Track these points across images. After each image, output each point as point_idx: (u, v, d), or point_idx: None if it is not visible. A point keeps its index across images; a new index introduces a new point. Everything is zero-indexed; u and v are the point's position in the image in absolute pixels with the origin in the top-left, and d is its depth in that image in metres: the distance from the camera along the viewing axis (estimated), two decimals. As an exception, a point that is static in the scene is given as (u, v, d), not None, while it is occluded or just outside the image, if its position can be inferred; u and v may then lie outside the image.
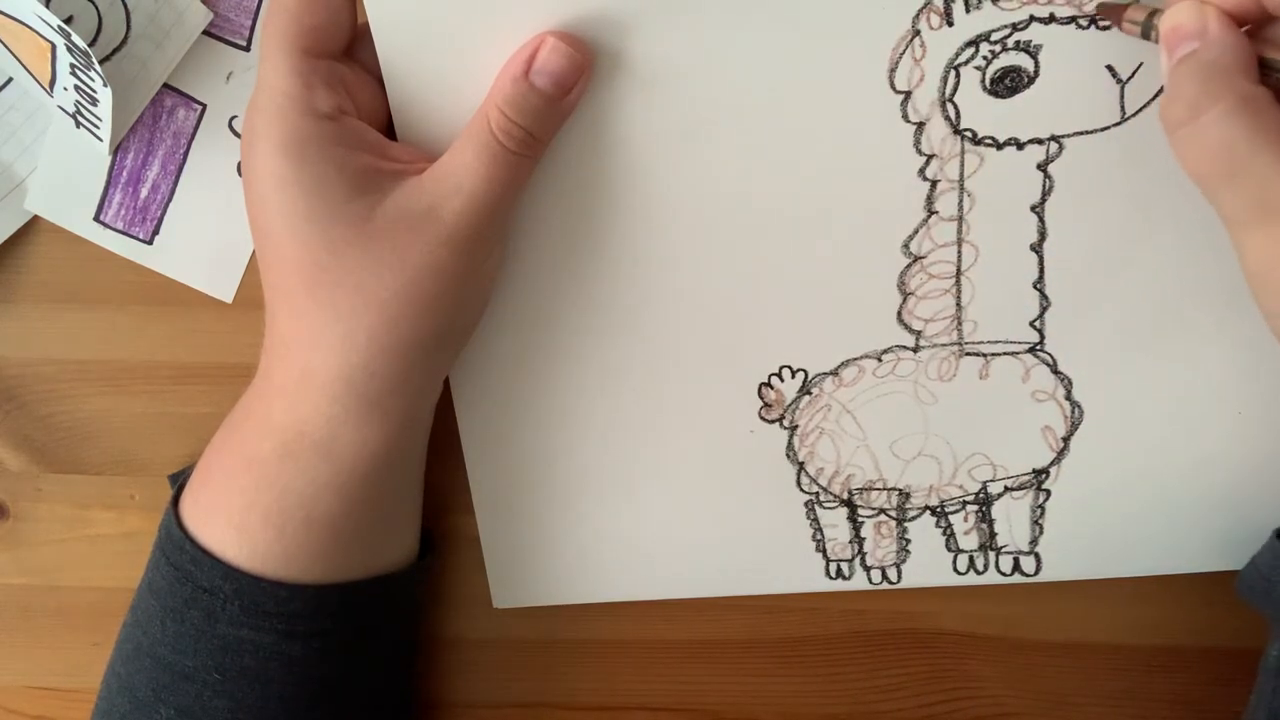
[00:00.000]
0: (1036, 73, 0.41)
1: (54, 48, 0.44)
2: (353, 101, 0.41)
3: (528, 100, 0.40)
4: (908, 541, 0.49)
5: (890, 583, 0.50)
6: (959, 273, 0.45)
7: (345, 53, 0.42)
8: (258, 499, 0.41)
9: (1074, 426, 0.47)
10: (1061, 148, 0.42)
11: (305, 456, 0.41)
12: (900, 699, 0.52)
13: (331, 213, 0.39)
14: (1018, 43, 0.41)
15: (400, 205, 0.39)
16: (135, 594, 0.45)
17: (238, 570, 0.42)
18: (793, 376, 0.47)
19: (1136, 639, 0.51)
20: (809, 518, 0.49)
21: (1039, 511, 0.48)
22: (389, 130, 0.43)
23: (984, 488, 0.48)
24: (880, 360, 0.46)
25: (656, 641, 0.52)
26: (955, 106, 0.42)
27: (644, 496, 0.49)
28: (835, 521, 0.49)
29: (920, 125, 0.42)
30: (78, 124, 0.47)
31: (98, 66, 0.43)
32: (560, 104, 0.41)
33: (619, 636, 0.52)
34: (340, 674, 0.44)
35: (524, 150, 0.40)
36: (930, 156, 0.43)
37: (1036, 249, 0.44)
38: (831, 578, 0.50)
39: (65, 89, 0.46)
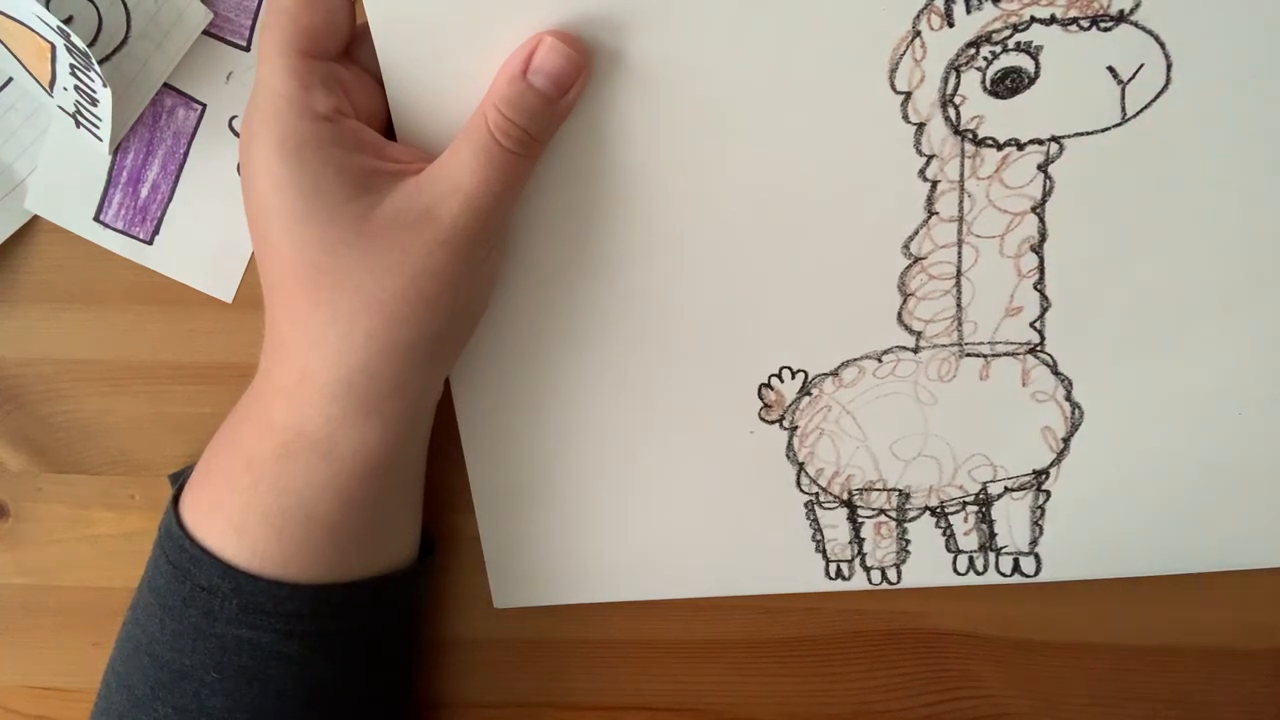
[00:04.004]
0: (1037, 73, 0.41)
1: (54, 48, 0.44)
2: (351, 102, 0.41)
3: (525, 100, 0.40)
4: (907, 542, 0.49)
5: (890, 583, 0.50)
6: (959, 274, 0.45)
7: (344, 53, 0.42)
8: (257, 499, 0.41)
9: (1074, 427, 0.47)
10: (1062, 148, 0.42)
11: (305, 457, 0.41)
12: (900, 699, 0.52)
13: (329, 214, 0.39)
14: (1018, 43, 0.41)
15: (398, 206, 0.39)
16: (135, 592, 0.45)
17: (236, 569, 0.42)
18: (793, 377, 0.47)
19: (1136, 639, 0.51)
20: (809, 518, 0.49)
21: (1039, 512, 0.48)
22: (388, 131, 0.43)
23: (984, 488, 0.48)
24: (880, 361, 0.46)
25: (656, 641, 0.52)
26: (955, 107, 0.42)
27: (644, 497, 0.49)
28: (835, 522, 0.49)
29: (920, 126, 0.42)
30: (78, 124, 0.47)
31: (97, 67, 0.43)
32: (558, 104, 0.41)
33: (619, 636, 0.52)
34: (338, 674, 0.44)
35: (522, 150, 0.40)
36: (930, 157, 0.43)
37: (1037, 249, 0.44)
38: (831, 578, 0.50)
39: (65, 89, 0.46)
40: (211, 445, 0.44)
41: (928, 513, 0.49)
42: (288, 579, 0.42)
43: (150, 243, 0.49)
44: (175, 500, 0.45)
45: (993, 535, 0.49)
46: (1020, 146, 0.43)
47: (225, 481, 0.43)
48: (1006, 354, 0.46)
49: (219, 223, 0.49)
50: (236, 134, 0.48)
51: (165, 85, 0.47)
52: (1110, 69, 0.41)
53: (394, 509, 0.45)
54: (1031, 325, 0.45)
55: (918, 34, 0.41)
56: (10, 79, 0.48)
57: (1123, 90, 0.42)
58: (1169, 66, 0.41)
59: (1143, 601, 0.50)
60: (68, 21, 0.45)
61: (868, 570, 0.50)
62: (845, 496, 0.49)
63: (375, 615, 0.45)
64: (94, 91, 0.45)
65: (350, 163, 0.39)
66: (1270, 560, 0.48)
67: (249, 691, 0.42)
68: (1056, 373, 0.46)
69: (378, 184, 0.40)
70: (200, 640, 0.42)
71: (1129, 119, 0.42)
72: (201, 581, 0.42)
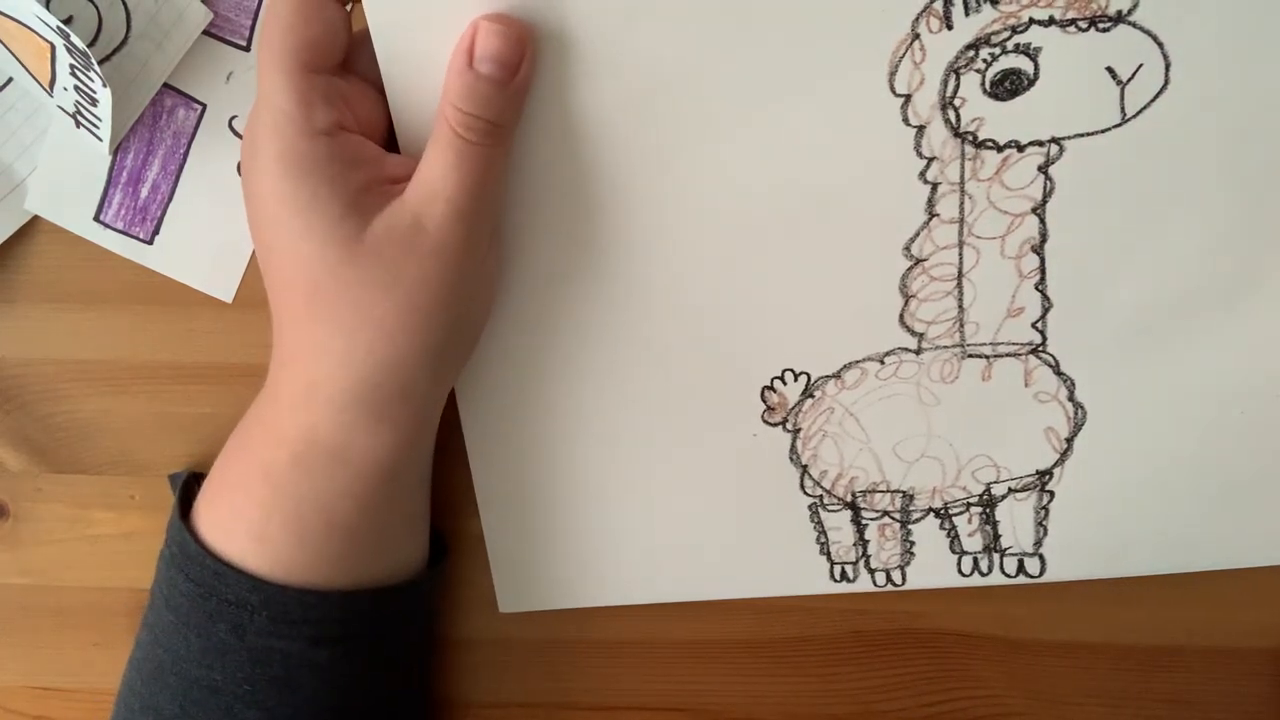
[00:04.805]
0: (1036, 75, 0.41)
1: (53, 48, 0.44)
2: (352, 113, 0.41)
3: (478, 90, 0.39)
4: (912, 544, 0.49)
5: (895, 585, 0.50)
6: (960, 275, 0.45)
7: (342, 63, 0.42)
8: (276, 507, 0.42)
9: (1077, 427, 0.47)
10: (1062, 149, 0.43)
11: (320, 463, 0.41)
12: (900, 699, 0.52)
13: (325, 232, 0.39)
14: (1017, 45, 0.41)
15: (387, 223, 0.39)
16: (147, 611, 0.45)
17: (264, 581, 0.42)
18: (795, 380, 0.47)
19: (1136, 639, 0.51)
20: (813, 521, 0.49)
21: (1043, 513, 0.48)
22: (388, 140, 0.43)
23: (987, 489, 0.48)
24: (883, 363, 0.46)
25: (656, 642, 0.52)
26: (955, 109, 0.42)
27: (648, 500, 0.49)
28: (839, 524, 0.49)
29: (921, 128, 0.42)
30: (78, 124, 0.47)
31: (97, 67, 0.43)
32: (511, 86, 0.40)
33: (619, 637, 0.52)
34: (366, 679, 0.44)
35: (489, 140, 0.40)
36: (931, 159, 0.43)
37: (1038, 250, 0.44)
38: (836, 580, 0.50)
39: (65, 89, 0.46)
40: (222, 457, 0.44)
41: (932, 514, 0.49)
42: (313, 587, 0.42)
43: (150, 243, 0.49)
44: (185, 514, 0.44)
45: (997, 536, 0.49)
46: (1020, 148, 0.43)
47: (242, 492, 0.43)
48: (1009, 355, 0.46)
49: (219, 223, 0.49)
50: (236, 134, 0.48)
51: (165, 85, 0.47)
52: (1109, 69, 0.41)
53: (407, 511, 0.45)
54: (1033, 326, 0.45)
55: (917, 37, 0.41)
56: (10, 79, 0.48)
57: (1122, 91, 0.42)
58: (1167, 66, 0.41)
59: (1143, 601, 0.50)
60: (68, 21, 0.45)
61: (872, 572, 0.50)
62: (849, 499, 0.49)
63: (400, 619, 0.46)
64: (94, 91, 0.45)
65: (347, 179, 0.39)
66: (1275, 559, 0.49)
67: (281, 701, 0.42)
68: (1059, 373, 0.46)
69: (371, 201, 0.40)
70: (230, 654, 0.42)
71: (1128, 119, 0.42)
72: (229, 596, 0.42)
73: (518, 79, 0.40)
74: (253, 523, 0.42)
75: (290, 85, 0.39)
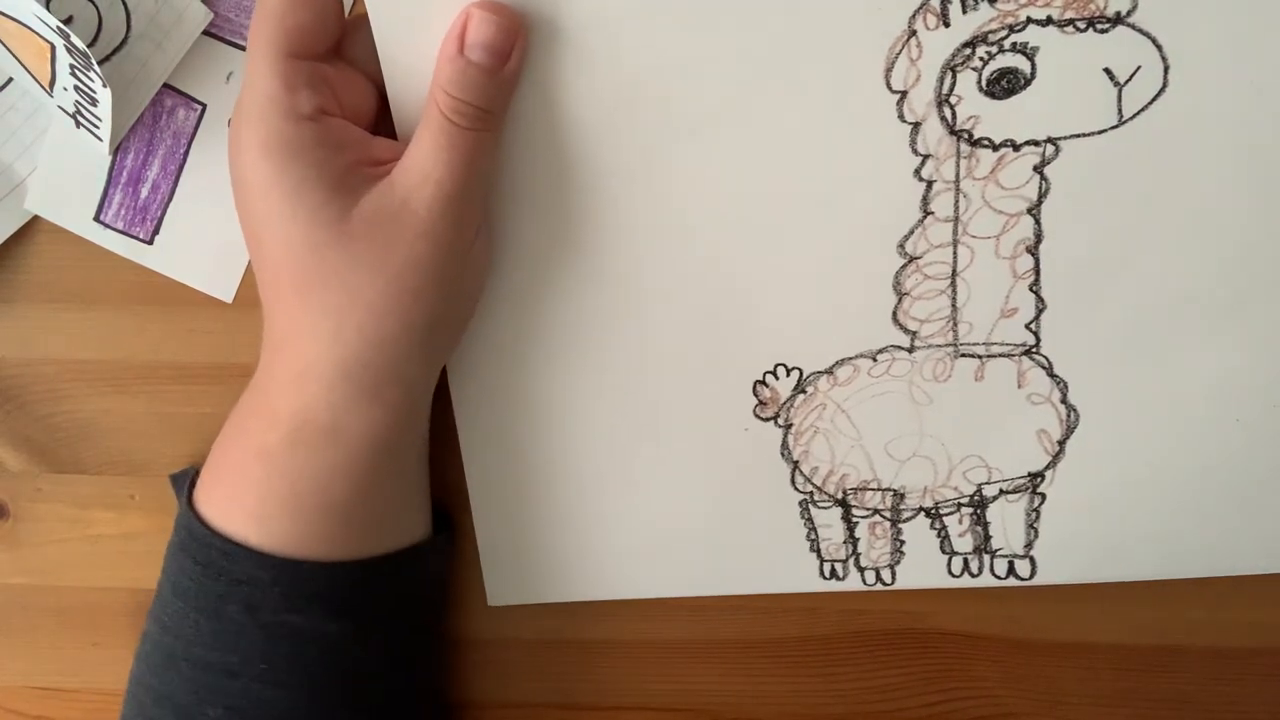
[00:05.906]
0: (1033, 74, 0.41)
1: (53, 48, 0.44)
2: (337, 100, 0.41)
3: (468, 76, 0.40)
4: (902, 543, 0.49)
5: (884, 584, 0.50)
6: (954, 274, 0.45)
7: (333, 49, 0.42)
8: (272, 487, 0.42)
9: (1070, 430, 0.47)
10: (1058, 150, 0.42)
11: (314, 442, 0.41)
12: (899, 699, 0.52)
13: (311, 215, 0.39)
14: (1014, 44, 0.41)
15: (375, 204, 0.40)
16: (154, 602, 0.45)
17: (274, 557, 0.42)
18: (788, 375, 0.47)
19: (1136, 639, 0.51)
20: (803, 517, 0.49)
21: (1034, 515, 0.48)
22: (377, 126, 0.43)
23: (979, 490, 0.48)
24: (875, 360, 0.46)
25: (655, 642, 0.52)
26: (951, 107, 0.42)
27: (639, 493, 0.49)
28: (829, 521, 0.49)
29: (916, 125, 0.42)
30: (78, 124, 0.47)
31: (97, 67, 0.43)
32: (501, 73, 0.40)
33: (618, 637, 0.52)
34: (375, 653, 0.45)
35: (479, 125, 0.40)
36: (926, 157, 0.43)
37: (1033, 251, 0.44)
38: (826, 578, 0.50)
39: (65, 89, 0.46)
40: (218, 443, 0.45)
41: (922, 514, 0.49)
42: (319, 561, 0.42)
43: (150, 243, 0.49)
44: (189, 501, 0.45)
45: (987, 537, 0.49)
46: (1016, 147, 0.42)
47: (238, 475, 0.43)
48: (1002, 355, 0.46)
49: (219, 223, 0.49)
50: (236, 134, 0.48)
51: (165, 85, 0.47)
52: (1107, 71, 0.41)
53: (402, 490, 0.45)
54: (1027, 327, 0.45)
55: (913, 33, 0.41)
56: (10, 79, 0.48)
57: (1119, 92, 0.42)
58: (1166, 69, 0.41)
59: (1143, 601, 0.50)
60: (68, 21, 0.45)
61: (862, 571, 0.50)
62: (840, 496, 0.49)
63: (406, 586, 0.46)
64: (94, 91, 0.45)
65: (332, 163, 0.40)
66: (1267, 566, 0.48)
67: (302, 677, 0.43)
68: (1052, 375, 0.46)
69: (358, 183, 0.40)
70: (244, 635, 0.42)
71: (1125, 121, 0.42)
72: (239, 575, 0.42)
73: (508, 67, 0.40)
74: (250, 504, 0.42)
75: (275, 71, 0.39)
